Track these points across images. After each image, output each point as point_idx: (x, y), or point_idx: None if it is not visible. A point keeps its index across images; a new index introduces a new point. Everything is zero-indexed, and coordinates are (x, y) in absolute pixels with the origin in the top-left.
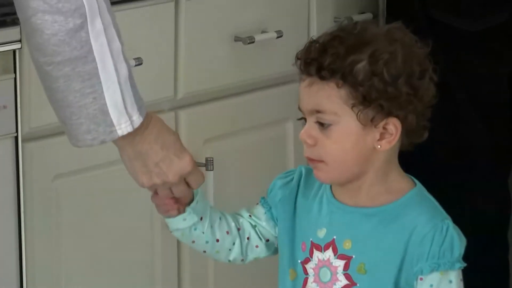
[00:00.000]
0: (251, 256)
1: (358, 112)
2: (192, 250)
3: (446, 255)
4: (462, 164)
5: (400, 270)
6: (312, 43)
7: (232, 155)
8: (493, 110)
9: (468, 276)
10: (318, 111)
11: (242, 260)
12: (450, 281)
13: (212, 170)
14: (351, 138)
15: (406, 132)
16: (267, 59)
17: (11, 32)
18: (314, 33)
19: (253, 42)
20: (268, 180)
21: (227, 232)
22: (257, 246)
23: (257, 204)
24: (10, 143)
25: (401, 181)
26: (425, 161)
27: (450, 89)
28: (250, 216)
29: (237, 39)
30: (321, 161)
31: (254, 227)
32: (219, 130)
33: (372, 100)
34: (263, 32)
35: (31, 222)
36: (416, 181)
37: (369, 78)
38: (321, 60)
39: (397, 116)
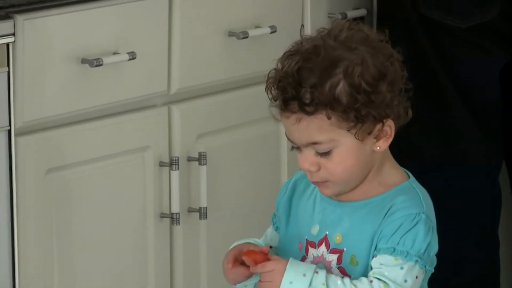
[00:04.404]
0: None
1: (355, 133)
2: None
3: (406, 244)
4: (453, 160)
5: None
6: (278, 81)
7: (225, 150)
8: (483, 106)
9: (459, 271)
10: (313, 143)
11: None
12: (401, 268)
13: (205, 164)
14: (352, 156)
15: (396, 122)
16: (260, 55)
17: (5, 26)
18: (308, 29)
19: (246, 37)
20: (261, 175)
21: None
22: None
23: (271, 226)
24: (3, 136)
25: (394, 174)
26: (417, 156)
27: (441, 85)
28: (271, 247)
29: (231, 34)
30: (328, 181)
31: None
32: (212, 125)
33: (364, 116)
34: (257, 27)
35: (23, 216)
36: (410, 175)
37: (354, 98)
38: (300, 96)
39: (388, 116)
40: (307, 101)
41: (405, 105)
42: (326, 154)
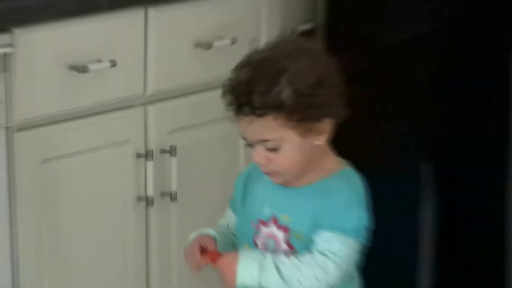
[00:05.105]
0: None
1: (298, 130)
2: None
3: (341, 220)
4: (384, 147)
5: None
6: (233, 89)
7: (193, 144)
8: (415, 104)
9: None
10: (263, 140)
11: None
12: (339, 242)
13: (176, 156)
14: (297, 150)
15: (335, 119)
16: (223, 62)
17: (4, 38)
18: (263, 40)
19: (211, 47)
20: (222, 165)
21: None
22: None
23: (228, 209)
24: (2, 133)
25: (332, 162)
26: (360, 145)
27: (377, 88)
28: (227, 225)
29: (197, 45)
30: (277, 172)
31: (234, 235)
32: (182, 123)
33: (306, 116)
34: (219, 39)
35: (21, 200)
36: (348, 164)
37: (296, 101)
38: (252, 101)
39: (326, 116)
40: (257, 106)
41: (342, 105)
42: (274, 149)
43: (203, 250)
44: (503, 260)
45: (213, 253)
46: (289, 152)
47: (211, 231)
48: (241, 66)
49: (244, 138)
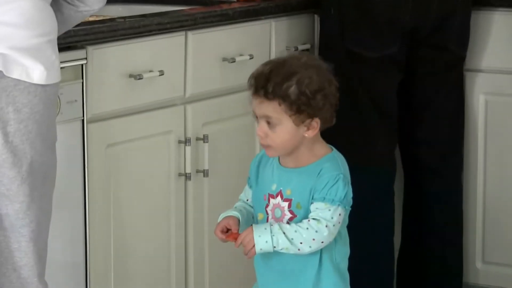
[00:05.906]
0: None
1: (293, 119)
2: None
3: (330, 193)
4: (364, 142)
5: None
6: (256, 77)
7: (220, 134)
8: (385, 106)
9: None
10: (267, 117)
11: None
12: (329, 210)
13: (207, 142)
14: (289, 133)
15: (323, 122)
16: (243, 73)
17: (80, 53)
18: (273, 57)
19: (234, 61)
20: (243, 150)
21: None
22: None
23: (246, 186)
24: (79, 124)
25: (322, 148)
26: (342, 139)
27: (357, 94)
28: (247, 200)
29: (224, 59)
30: (270, 146)
31: (252, 207)
32: (212, 117)
33: (301, 111)
34: (240, 55)
35: (92, 175)
36: (334, 148)
37: (298, 98)
38: (267, 87)
39: (317, 116)
40: (270, 91)
41: (332, 114)
42: (273, 127)
43: (227, 230)
44: (459, 226)
45: (234, 234)
46: (282, 133)
47: (236, 213)
48: (266, 63)
49: (254, 112)
